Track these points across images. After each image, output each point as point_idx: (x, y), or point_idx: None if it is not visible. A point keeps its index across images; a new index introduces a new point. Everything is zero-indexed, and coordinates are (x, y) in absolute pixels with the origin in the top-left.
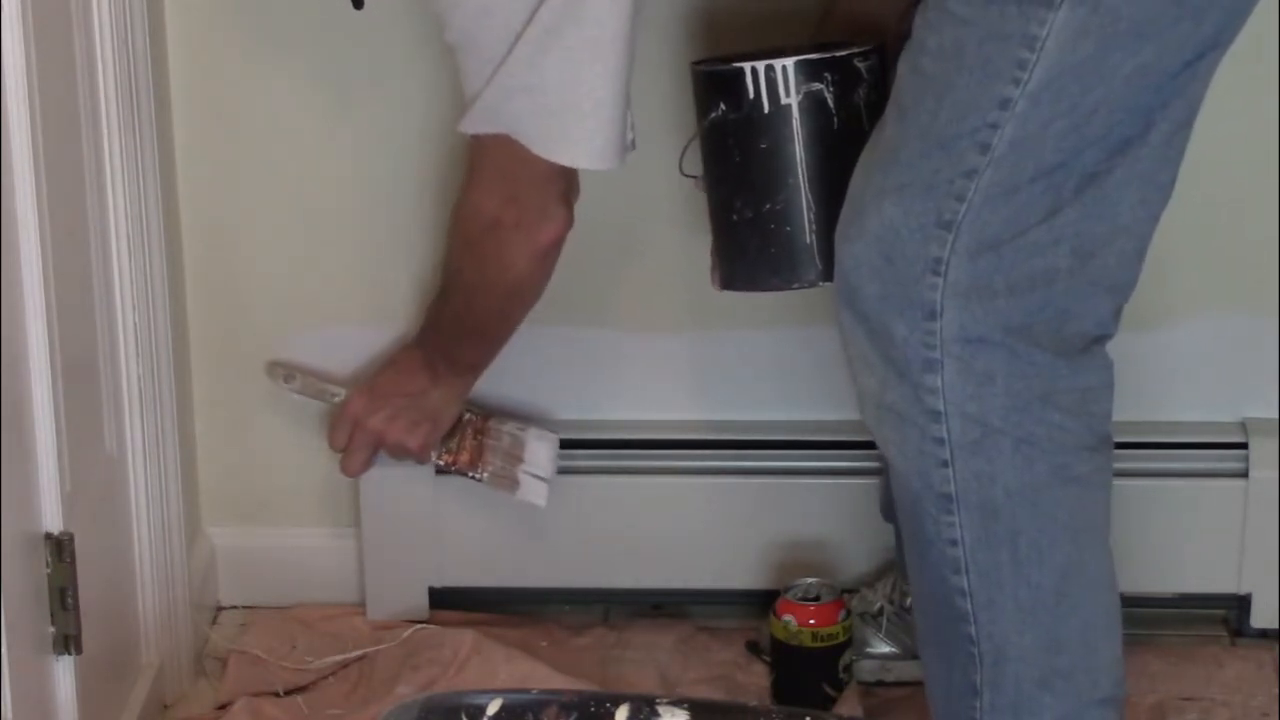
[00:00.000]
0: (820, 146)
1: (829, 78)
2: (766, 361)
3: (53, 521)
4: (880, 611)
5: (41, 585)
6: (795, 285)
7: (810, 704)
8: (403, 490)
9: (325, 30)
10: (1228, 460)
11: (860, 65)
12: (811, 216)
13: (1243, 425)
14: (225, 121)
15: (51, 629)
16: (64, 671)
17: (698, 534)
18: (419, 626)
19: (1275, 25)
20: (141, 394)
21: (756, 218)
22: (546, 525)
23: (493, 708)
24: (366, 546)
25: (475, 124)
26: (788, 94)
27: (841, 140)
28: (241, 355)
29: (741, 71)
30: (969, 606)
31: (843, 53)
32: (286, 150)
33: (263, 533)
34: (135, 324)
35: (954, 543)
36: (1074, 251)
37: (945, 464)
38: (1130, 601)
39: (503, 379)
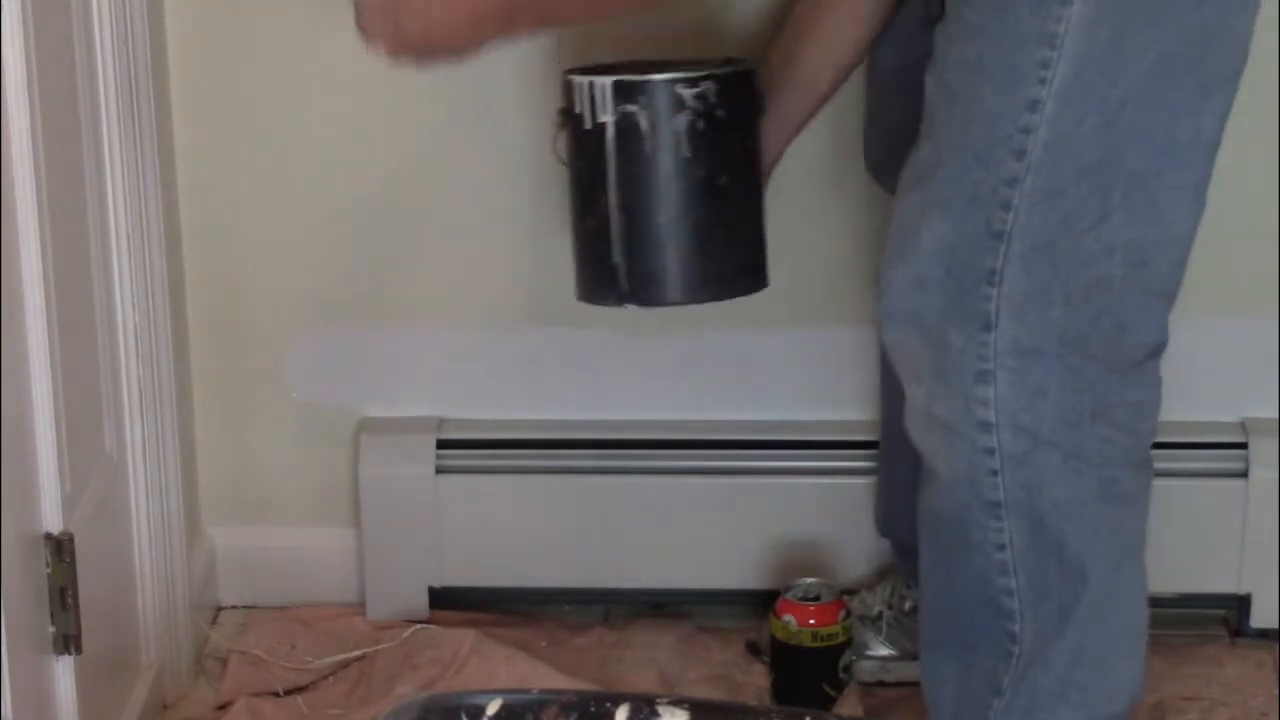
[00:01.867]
0: (632, 169)
1: (643, 101)
2: (767, 362)
3: (53, 521)
4: (880, 616)
5: (41, 585)
6: (602, 304)
7: (810, 704)
8: (403, 490)
9: (325, 30)
10: (1228, 460)
11: (684, 92)
12: (620, 237)
13: (1243, 425)
14: (225, 121)
15: (51, 629)
16: (64, 671)
17: (698, 534)
18: (419, 626)
19: (1275, 26)
20: (141, 394)
21: (580, 233)
22: (546, 525)
23: (493, 708)
24: (366, 546)
25: None
26: (604, 112)
27: (653, 164)
28: (241, 355)
29: (570, 84)
30: (1016, 605)
31: (662, 77)
32: (286, 150)
33: (263, 533)
34: (135, 324)
35: (1002, 547)
36: (1126, 260)
37: (995, 473)
38: None
39: (502, 378)
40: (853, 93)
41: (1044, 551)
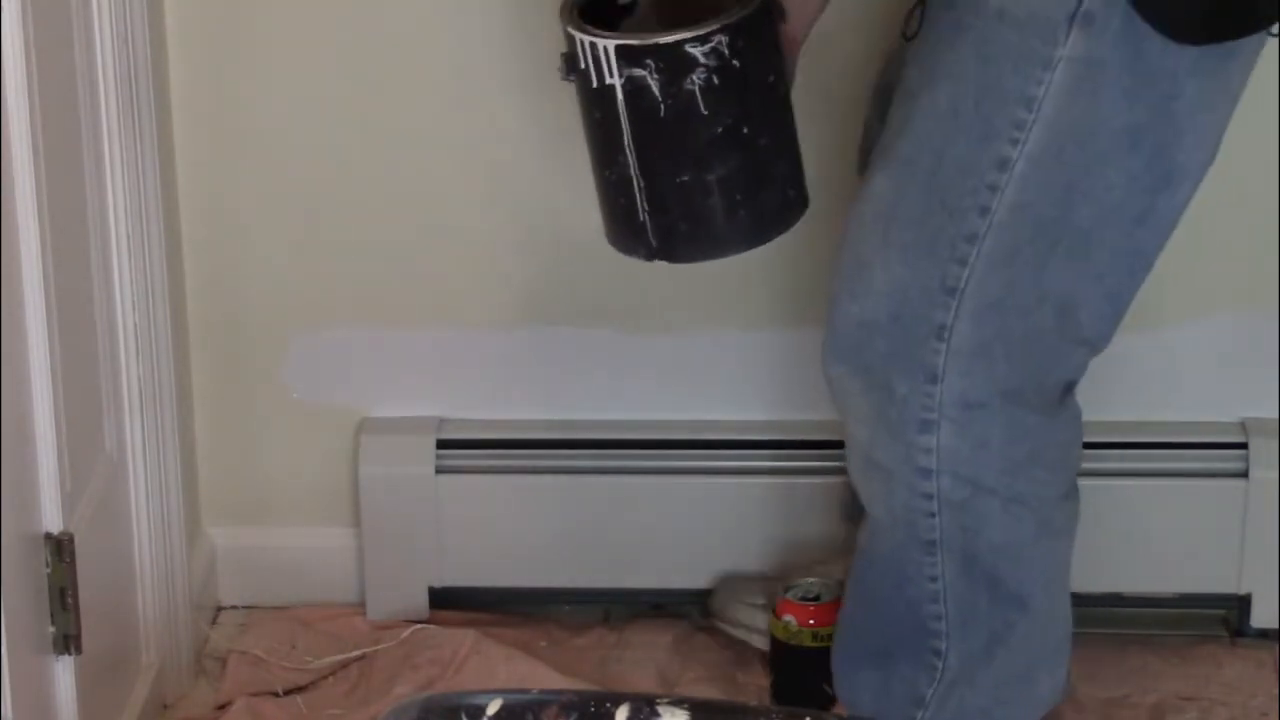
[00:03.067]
0: (647, 130)
1: (652, 64)
2: (767, 362)
3: (53, 521)
4: None
5: (41, 585)
6: (633, 256)
7: (810, 704)
8: (403, 490)
9: (325, 30)
10: (1228, 460)
11: (694, 50)
12: (643, 196)
13: (1243, 425)
14: (225, 121)
15: (51, 629)
16: (64, 671)
17: (698, 534)
18: (418, 626)
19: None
20: (141, 394)
21: (601, 182)
22: (546, 525)
23: (492, 708)
24: (366, 546)
25: None
26: (611, 75)
27: (669, 125)
28: (241, 355)
29: (574, 40)
30: (944, 628)
31: (668, 39)
32: (286, 150)
33: (263, 533)
34: (135, 324)
35: (934, 579)
36: (1056, 308)
37: (932, 515)
38: (1130, 601)
39: (502, 378)
40: (852, 95)
41: (975, 585)
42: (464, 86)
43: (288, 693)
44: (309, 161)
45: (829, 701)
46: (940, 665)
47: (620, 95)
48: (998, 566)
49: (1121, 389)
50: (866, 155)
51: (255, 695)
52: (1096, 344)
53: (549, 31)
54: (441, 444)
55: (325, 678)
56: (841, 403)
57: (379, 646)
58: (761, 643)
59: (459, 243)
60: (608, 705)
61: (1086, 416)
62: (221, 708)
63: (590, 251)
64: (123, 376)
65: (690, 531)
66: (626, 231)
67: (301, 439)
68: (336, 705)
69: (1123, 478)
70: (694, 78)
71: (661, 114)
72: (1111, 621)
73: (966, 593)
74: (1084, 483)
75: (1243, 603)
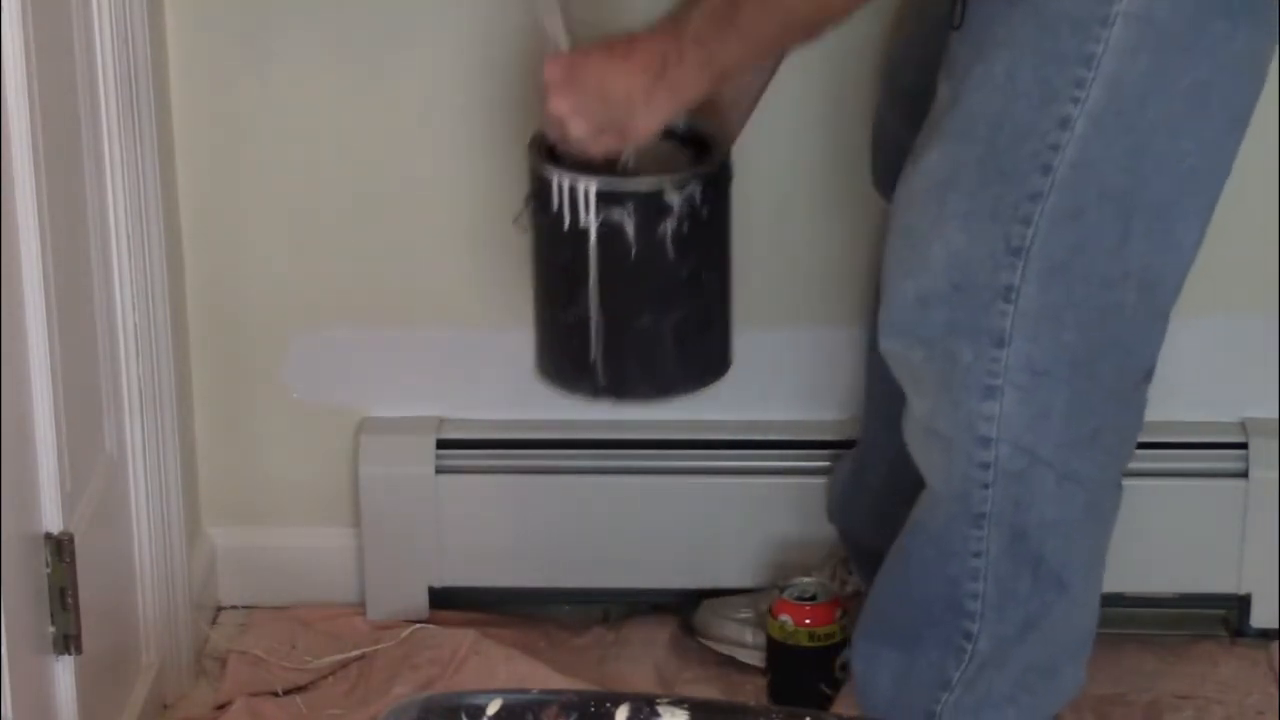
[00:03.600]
0: (615, 273)
1: (630, 208)
2: (766, 362)
3: (53, 521)
4: None
5: (41, 585)
6: (575, 394)
7: (807, 703)
8: (403, 490)
9: (325, 29)
10: (1228, 460)
11: (671, 198)
12: (599, 337)
13: (1243, 425)
14: (225, 121)
15: (51, 629)
16: (64, 671)
17: (698, 534)
18: (418, 626)
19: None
20: (141, 394)
21: (553, 321)
22: (546, 525)
23: (492, 708)
24: (366, 546)
25: None
26: (588, 215)
27: (638, 269)
28: (241, 355)
29: (549, 181)
30: (979, 608)
31: (651, 184)
32: (287, 150)
33: (263, 533)
34: (135, 324)
35: (978, 554)
36: (1140, 285)
37: (986, 486)
38: (1130, 601)
39: (502, 378)
40: (851, 96)
41: (1020, 562)
42: (464, 86)
43: (288, 693)
44: (309, 162)
45: (826, 701)
46: (970, 648)
47: (594, 237)
48: (1044, 544)
49: None
50: (880, 146)
51: (255, 695)
52: (1170, 311)
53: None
54: (441, 444)
55: (325, 678)
56: (902, 376)
57: (379, 646)
58: (748, 657)
59: (459, 243)
60: (608, 705)
61: None
62: (221, 708)
63: None
64: (123, 376)
65: (689, 532)
66: (573, 370)
67: (301, 439)
68: (336, 705)
69: (1123, 477)
70: (667, 223)
71: (632, 257)
72: (1110, 621)
73: (1009, 571)
74: None
75: (1242, 603)
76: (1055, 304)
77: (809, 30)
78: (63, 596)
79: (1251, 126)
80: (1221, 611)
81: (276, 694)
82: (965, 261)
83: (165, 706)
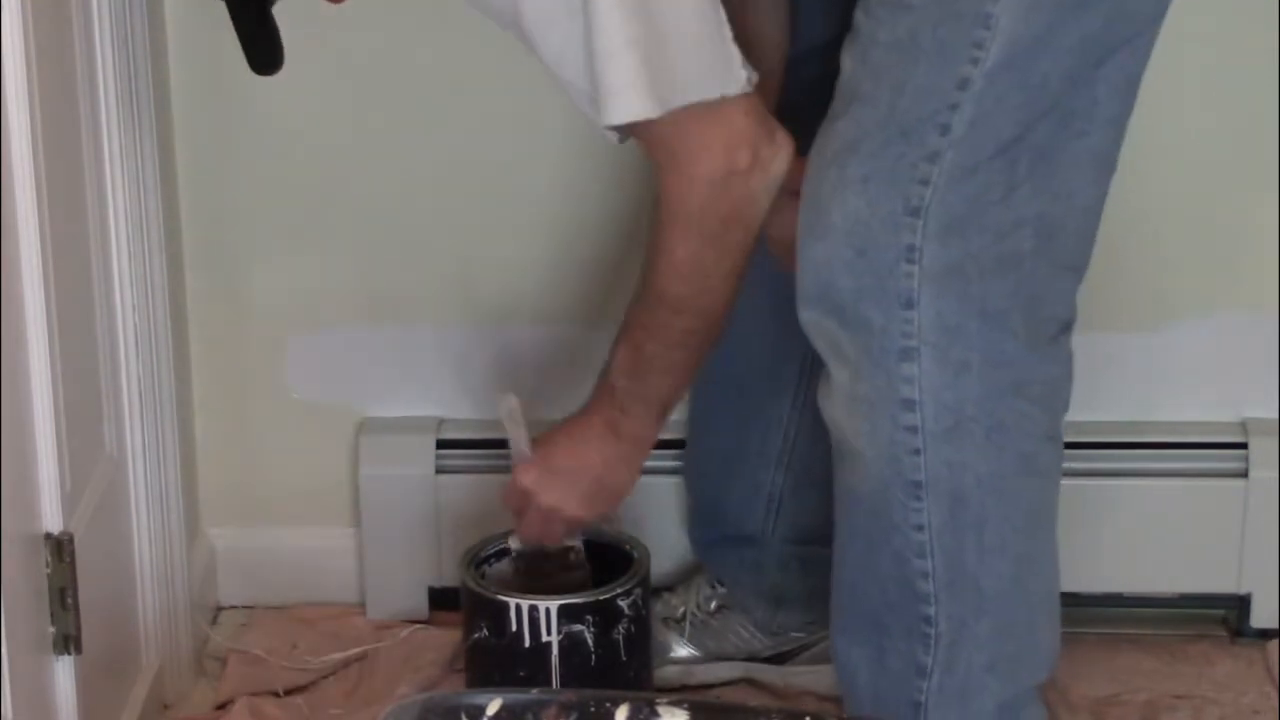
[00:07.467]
0: (575, 681)
1: (590, 619)
2: None
3: (53, 521)
4: (684, 617)
5: (41, 585)
6: None
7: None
8: (403, 490)
9: (325, 29)
10: (1228, 460)
11: (623, 603)
12: None
13: (1243, 425)
14: (225, 121)
15: (51, 629)
16: (64, 671)
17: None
18: (418, 626)
19: (1275, 23)
20: (141, 394)
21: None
22: None
23: (492, 708)
24: (366, 546)
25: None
26: (549, 632)
27: (597, 675)
28: (241, 355)
29: (506, 606)
30: (930, 588)
31: (605, 595)
32: (287, 149)
33: (263, 533)
34: (135, 324)
35: (920, 528)
36: (1036, 233)
37: (917, 451)
38: (1130, 601)
39: (502, 379)
40: None
41: (962, 532)
42: (465, 86)
43: (288, 693)
44: (309, 161)
45: None
46: (933, 632)
47: (555, 651)
48: (985, 505)
49: (1122, 389)
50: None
51: (255, 695)
52: (1080, 269)
53: None
54: (441, 444)
55: (325, 678)
56: (822, 346)
57: (379, 646)
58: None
59: (460, 243)
60: (608, 705)
61: (1086, 417)
62: (221, 707)
63: (591, 252)
64: (123, 377)
65: (685, 531)
66: None
67: (301, 439)
68: (337, 705)
69: (1123, 478)
70: (620, 627)
71: (592, 664)
72: (1109, 621)
73: (954, 542)
74: (1084, 483)
75: (1242, 603)
76: (956, 259)
77: (710, 330)
78: (63, 596)
79: (1250, 125)
80: (1221, 611)
81: (277, 694)
82: (866, 226)
83: (165, 706)
